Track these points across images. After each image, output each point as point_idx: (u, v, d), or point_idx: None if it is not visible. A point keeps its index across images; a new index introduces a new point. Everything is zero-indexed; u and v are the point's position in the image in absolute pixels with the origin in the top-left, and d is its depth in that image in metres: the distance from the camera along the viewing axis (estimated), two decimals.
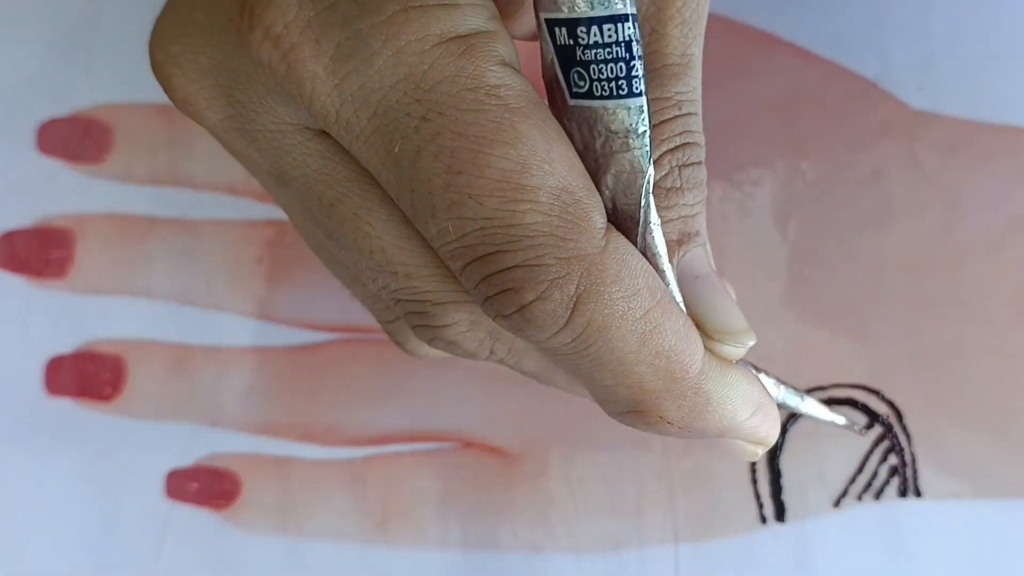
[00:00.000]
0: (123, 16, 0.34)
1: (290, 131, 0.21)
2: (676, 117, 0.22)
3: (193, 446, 0.33)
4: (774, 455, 0.32)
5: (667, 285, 0.22)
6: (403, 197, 0.20)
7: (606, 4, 0.19)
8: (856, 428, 0.30)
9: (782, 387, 0.26)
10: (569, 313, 0.20)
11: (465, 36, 0.19)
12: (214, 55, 0.21)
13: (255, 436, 0.33)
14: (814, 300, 0.32)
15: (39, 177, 0.34)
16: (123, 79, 0.34)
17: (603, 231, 0.20)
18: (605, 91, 0.20)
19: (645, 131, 0.20)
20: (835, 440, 0.32)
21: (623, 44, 0.19)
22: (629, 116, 0.20)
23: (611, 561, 0.32)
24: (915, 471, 0.32)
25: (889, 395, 0.32)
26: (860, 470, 0.32)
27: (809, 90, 0.33)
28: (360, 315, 0.29)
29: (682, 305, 0.22)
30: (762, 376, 0.25)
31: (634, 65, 0.19)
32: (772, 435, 0.24)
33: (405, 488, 0.32)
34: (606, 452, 0.32)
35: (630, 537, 0.32)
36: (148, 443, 0.33)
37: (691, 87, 0.22)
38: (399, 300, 0.23)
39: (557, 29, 0.20)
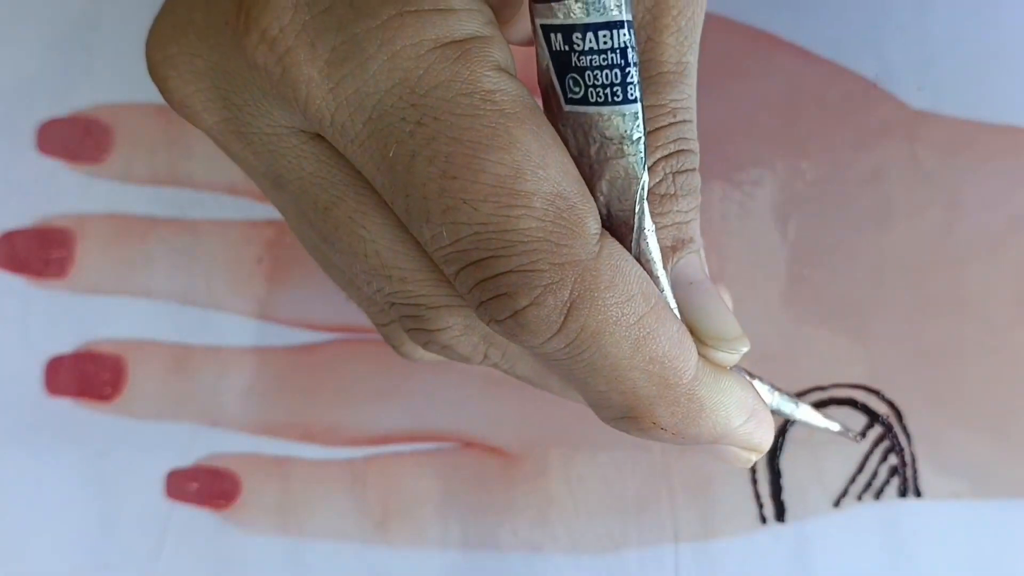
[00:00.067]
0: (123, 16, 0.34)
1: (285, 134, 0.21)
2: (671, 124, 0.22)
3: (193, 446, 0.33)
4: (774, 455, 0.32)
5: (661, 291, 0.22)
6: (398, 201, 0.20)
7: (602, 11, 0.19)
8: (851, 435, 0.30)
9: (776, 393, 0.26)
10: (563, 318, 0.20)
11: (460, 41, 0.19)
12: (210, 57, 0.21)
13: (255, 436, 0.33)
14: (814, 300, 0.32)
15: (39, 177, 0.34)
16: (123, 79, 0.34)
17: (597, 237, 0.20)
18: (600, 97, 0.20)
19: (640, 138, 0.20)
20: (835, 440, 0.32)
21: (618, 51, 0.19)
22: (624, 122, 0.20)
23: (611, 561, 0.32)
24: (915, 471, 0.32)
25: (889, 395, 0.32)
26: (860, 470, 0.32)
27: (809, 90, 0.33)
28: (360, 315, 0.29)
29: (676, 311, 0.22)
30: (756, 382, 0.25)
31: (629, 72, 0.20)
32: (766, 442, 0.24)
33: (405, 488, 0.32)
34: (606, 452, 0.32)
35: (630, 537, 0.32)
36: (148, 443, 0.33)
37: (686, 95, 0.22)
38: (393, 304, 0.23)
39: (553, 35, 0.20)
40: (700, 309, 0.22)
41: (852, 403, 0.32)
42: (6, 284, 0.34)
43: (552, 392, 0.26)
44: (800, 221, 0.33)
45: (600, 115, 0.20)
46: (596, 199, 0.21)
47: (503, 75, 0.20)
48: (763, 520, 0.32)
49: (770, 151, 0.33)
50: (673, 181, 0.22)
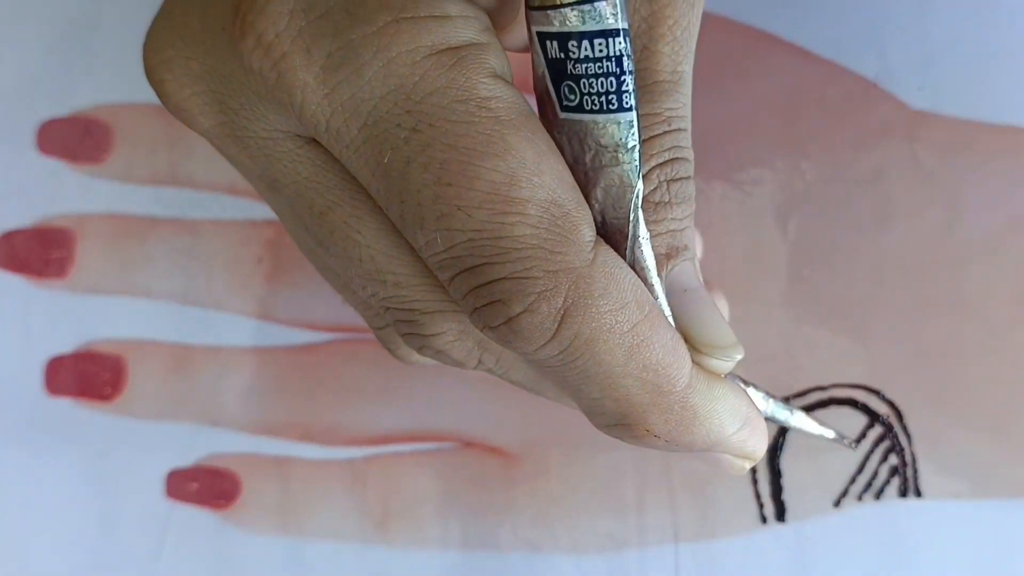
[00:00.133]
0: (123, 16, 0.34)
1: (281, 138, 0.22)
2: (665, 133, 0.22)
3: (193, 446, 0.33)
4: (774, 455, 0.32)
5: (655, 299, 0.22)
6: (392, 207, 0.20)
7: (597, 19, 0.19)
8: (846, 442, 0.30)
9: (771, 401, 0.26)
10: (556, 326, 0.20)
11: (456, 48, 0.20)
12: (207, 61, 0.21)
13: (255, 436, 0.33)
14: (814, 300, 0.32)
15: (39, 177, 0.34)
16: (123, 79, 0.34)
17: (592, 244, 0.20)
18: (595, 105, 0.20)
19: (635, 146, 0.20)
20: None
21: (614, 59, 0.20)
22: (619, 130, 0.20)
23: (611, 561, 0.32)
24: (915, 471, 0.32)
25: (889, 395, 0.32)
26: (860, 470, 0.32)
27: (809, 90, 0.33)
28: (359, 316, 0.29)
29: (670, 319, 0.22)
30: (750, 390, 0.25)
31: (624, 80, 0.20)
32: (760, 449, 0.24)
33: (405, 488, 0.33)
34: (606, 452, 0.32)
35: (630, 537, 0.32)
36: (148, 443, 0.33)
37: (681, 103, 0.22)
38: (388, 308, 0.23)
39: (548, 42, 0.20)
40: (694, 317, 0.23)
41: (852, 403, 0.32)
42: (6, 284, 0.34)
43: (547, 397, 0.26)
44: (800, 221, 0.33)
45: (595, 123, 0.20)
46: (591, 206, 0.21)
47: (499, 82, 0.20)
48: (763, 520, 0.32)
49: (770, 151, 0.33)
50: (668, 189, 0.22)
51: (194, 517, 0.33)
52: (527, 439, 0.33)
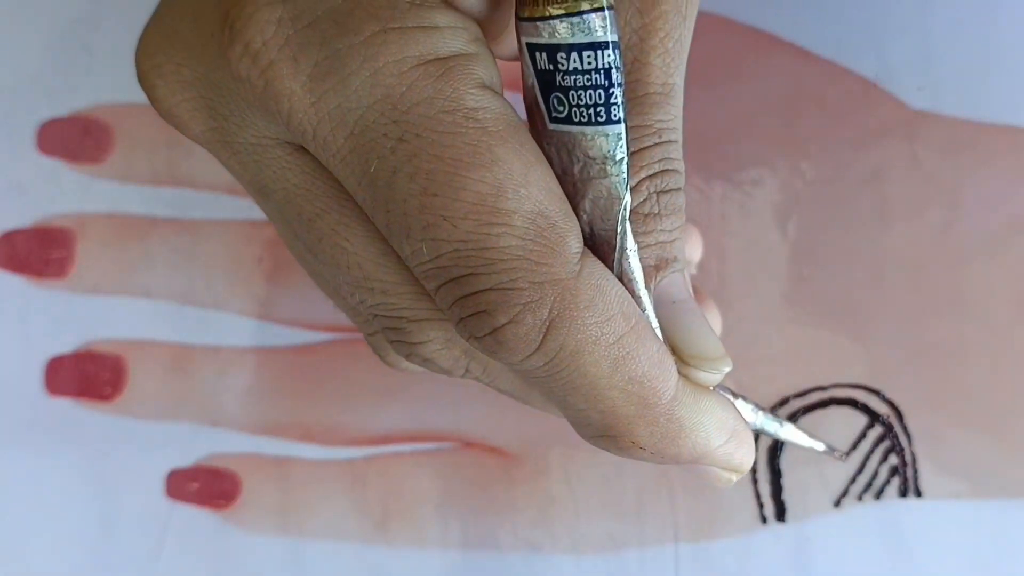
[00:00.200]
0: (123, 16, 0.34)
1: (270, 145, 0.22)
2: (656, 145, 0.22)
3: (193, 446, 0.33)
4: (774, 455, 0.32)
5: (643, 311, 0.22)
6: (378, 217, 0.20)
7: (586, 31, 0.19)
8: (836, 454, 0.30)
9: (760, 413, 0.26)
10: (542, 337, 0.20)
11: (444, 59, 0.20)
12: (197, 68, 0.21)
13: (255, 436, 0.33)
14: (814, 300, 0.32)
15: (39, 177, 0.34)
16: (123, 79, 0.34)
17: (578, 256, 0.20)
18: (584, 117, 0.20)
19: (623, 158, 0.20)
20: (835, 440, 0.32)
21: (602, 71, 0.20)
22: (607, 143, 0.20)
23: (611, 561, 0.32)
24: (915, 471, 0.32)
25: (889, 395, 0.32)
26: (860, 470, 0.32)
27: (809, 90, 0.33)
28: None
29: (658, 331, 0.22)
30: (739, 402, 0.25)
31: (613, 92, 0.20)
32: (747, 462, 0.24)
33: (405, 488, 0.33)
34: (606, 452, 0.32)
35: (630, 537, 0.32)
36: (148, 443, 0.33)
37: (672, 115, 0.22)
38: (376, 315, 0.23)
39: (538, 54, 0.20)
40: (682, 328, 0.23)
41: (852, 403, 0.32)
42: (6, 284, 0.34)
43: (535, 407, 0.26)
44: (800, 221, 0.33)
45: (584, 135, 0.20)
46: (579, 218, 0.21)
47: (487, 93, 0.20)
48: (763, 520, 0.32)
49: (770, 151, 0.33)
50: (657, 201, 0.22)
51: (194, 517, 0.33)
52: (527, 439, 0.33)
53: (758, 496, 0.33)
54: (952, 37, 0.33)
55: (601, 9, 0.19)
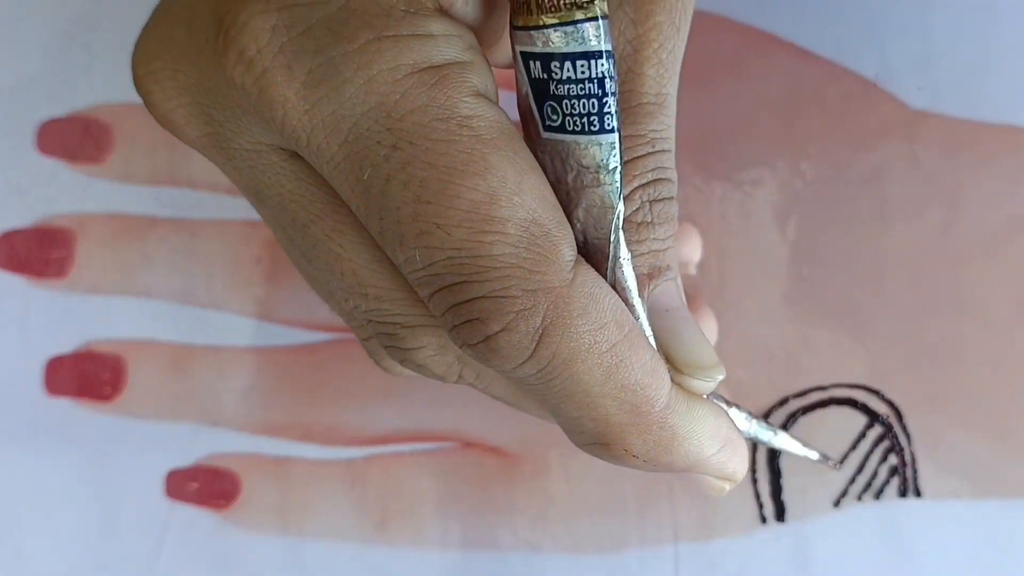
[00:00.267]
0: (123, 16, 0.34)
1: (265, 151, 0.22)
2: (649, 154, 0.22)
3: (193, 446, 0.33)
4: (774, 455, 0.32)
5: (637, 319, 0.22)
6: (372, 224, 0.21)
7: (580, 40, 0.20)
8: (830, 463, 0.30)
9: (754, 421, 0.26)
10: (535, 345, 0.20)
11: (439, 66, 0.20)
12: (192, 73, 0.22)
13: (255, 436, 0.33)
14: (814, 300, 0.32)
15: (39, 177, 0.34)
16: (123, 79, 0.34)
17: (572, 264, 0.21)
18: (577, 126, 0.20)
19: (616, 167, 0.21)
20: (835, 440, 0.32)
21: (596, 80, 0.20)
22: (601, 152, 0.20)
23: (611, 561, 0.32)
24: (915, 471, 0.32)
25: (889, 395, 0.32)
26: (860, 470, 0.32)
27: (809, 90, 0.33)
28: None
29: (652, 339, 0.23)
30: (733, 411, 0.25)
31: (606, 102, 0.20)
32: (740, 471, 0.24)
33: (405, 488, 0.33)
34: None
35: (630, 537, 0.32)
36: (148, 443, 0.33)
37: (665, 125, 0.22)
38: (370, 321, 0.23)
39: (532, 62, 0.20)
40: (676, 336, 0.23)
41: (852, 403, 0.32)
42: (6, 284, 0.34)
43: (529, 413, 0.26)
44: (800, 221, 0.33)
45: (577, 144, 0.20)
46: (573, 226, 0.21)
47: (481, 101, 0.20)
48: (763, 520, 0.32)
49: (770, 151, 0.33)
50: (650, 209, 0.22)
51: (194, 517, 0.33)
52: (527, 439, 0.33)
53: (758, 496, 0.33)
54: (952, 37, 0.33)
55: (595, 19, 0.19)
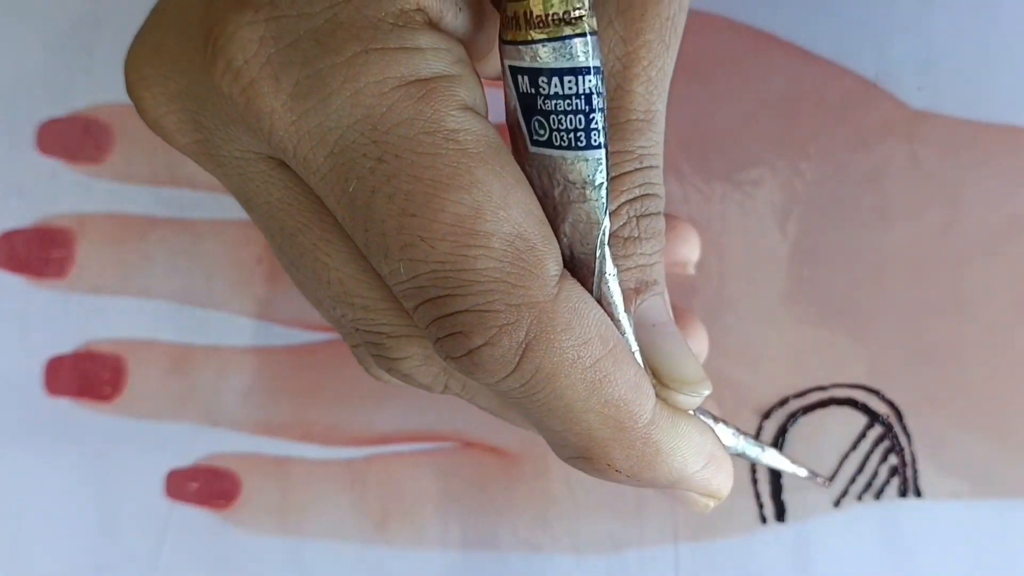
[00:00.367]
0: (123, 16, 0.34)
1: (254, 159, 0.22)
2: (637, 170, 0.23)
3: (193, 446, 0.33)
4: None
5: (623, 334, 0.23)
6: (357, 235, 0.21)
7: (568, 56, 0.20)
8: (819, 480, 0.30)
9: (742, 437, 0.27)
10: (518, 359, 0.20)
11: (426, 80, 0.20)
12: (182, 81, 0.22)
13: (255, 436, 0.33)
14: (814, 300, 0.32)
15: (39, 177, 0.34)
16: (123, 79, 0.34)
17: (556, 279, 0.21)
18: (564, 141, 0.21)
19: (602, 183, 0.21)
20: (835, 440, 0.32)
21: (583, 96, 0.20)
22: (587, 167, 0.21)
23: (611, 561, 0.32)
24: (915, 471, 0.32)
25: (889, 395, 0.32)
26: (860, 470, 0.32)
27: (809, 90, 0.33)
28: None
29: (638, 354, 0.23)
30: (720, 427, 0.26)
31: (594, 118, 0.20)
32: (724, 488, 0.24)
33: (405, 488, 0.33)
34: None
35: (630, 537, 0.32)
36: (148, 443, 0.33)
37: (653, 141, 0.23)
38: (357, 329, 0.24)
39: (520, 77, 0.20)
40: (662, 351, 0.23)
41: (852, 403, 0.32)
42: (6, 284, 0.34)
43: (515, 424, 0.26)
44: (800, 221, 0.33)
45: (564, 159, 0.21)
46: (560, 240, 0.22)
47: (468, 114, 0.20)
48: (763, 520, 0.32)
49: (770, 151, 0.33)
50: (637, 224, 0.23)
51: (194, 517, 0.33)
52: (527, 439, 0.33)
53: (758, 496, 0.33)
54: (952, 37, 0.33)
55: (583, 35, 0.20)
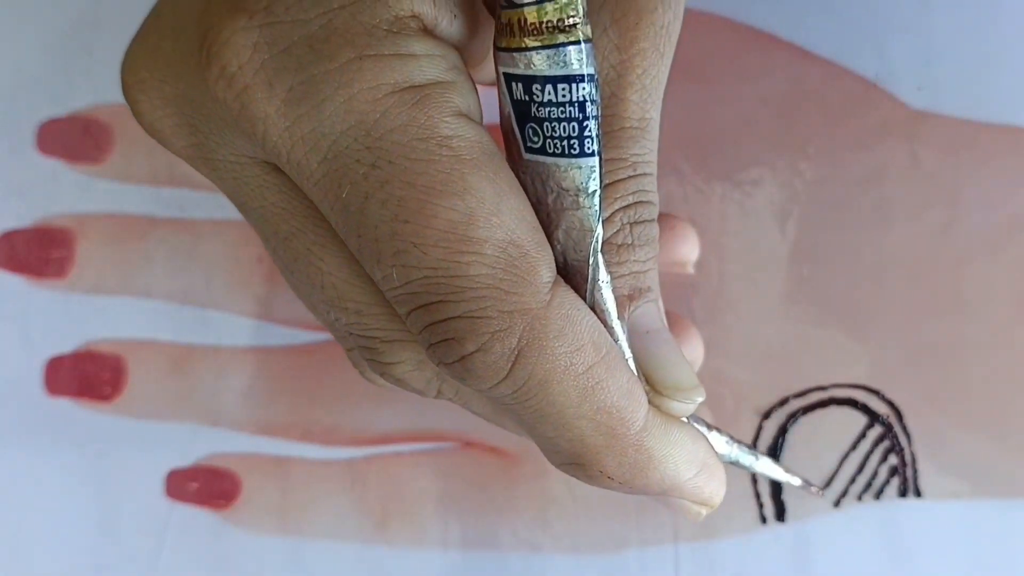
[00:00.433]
0: (123, 16, 0.34)
1: (248, 163, 0.22)
2: (630, 177, 0.23)
3: (193, 446, 0.33)
4: (774, 456, 0.32)
5: (616, 341, 0.23)
6: (350, 240, 0.21)
7: (563, 64, 0.20)
8: (813, 489, 0.30)
9: (735, 445, 0.27)
10: (510, 366, 0.21)
11: (420, 86, 0.20)
12: (177, 85, 0.22)
13: (255, 436, 0.33)
14: (814, 300, 0.33)
15: (39, 177, 0.34)
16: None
17: (549, 285, 0.21)
18: (557, 149, 0.21)
19: (595, 191, 0.21)
20: (835, 440, 0.32)
21: (576, 104, 0.20)
22: (580, 175, 0.21)
23: (611, 561, 0.32)
24: (915, 471, 0.32)
25: (889, 395, 0.32)
26: (860, 470, 0.32)
27: (809, 90, 0.33)
28: None
29: (631, 361, 0.23)
30: (713, 434, 0.26)
31: (587, 126, 0.20)
32: (717, 496, 0.25)
33: (405, 488, 0.33)
34: None
35: (630, 537, 0.32)
36: (148, 443, 0.33)
37: (647, 149, 0.23)
38: (351, 333, 0.24)
39: (514, 84, 0.21)
40: (655, 358, 0.23)
41: (852, 403, 0.33)
42: (6, 284, 0.34)
43: (508, 429, 0.26)
44: (800, 221, 0.33)
45: (557, 166, 0.21)
46: (553, 247, 0.22)
47: (462, 120, 0.20)
48: (763, 520, 0.32)
49: (770, 151, 0.33)
50: (631, 231, 0.23)
51: (194, 517, 0.33)
52: (527, 439, 0.33)
53: (758, 496, 0.33)
54: (952, 37, 0.33)
55: (577, 42, 0.20)
